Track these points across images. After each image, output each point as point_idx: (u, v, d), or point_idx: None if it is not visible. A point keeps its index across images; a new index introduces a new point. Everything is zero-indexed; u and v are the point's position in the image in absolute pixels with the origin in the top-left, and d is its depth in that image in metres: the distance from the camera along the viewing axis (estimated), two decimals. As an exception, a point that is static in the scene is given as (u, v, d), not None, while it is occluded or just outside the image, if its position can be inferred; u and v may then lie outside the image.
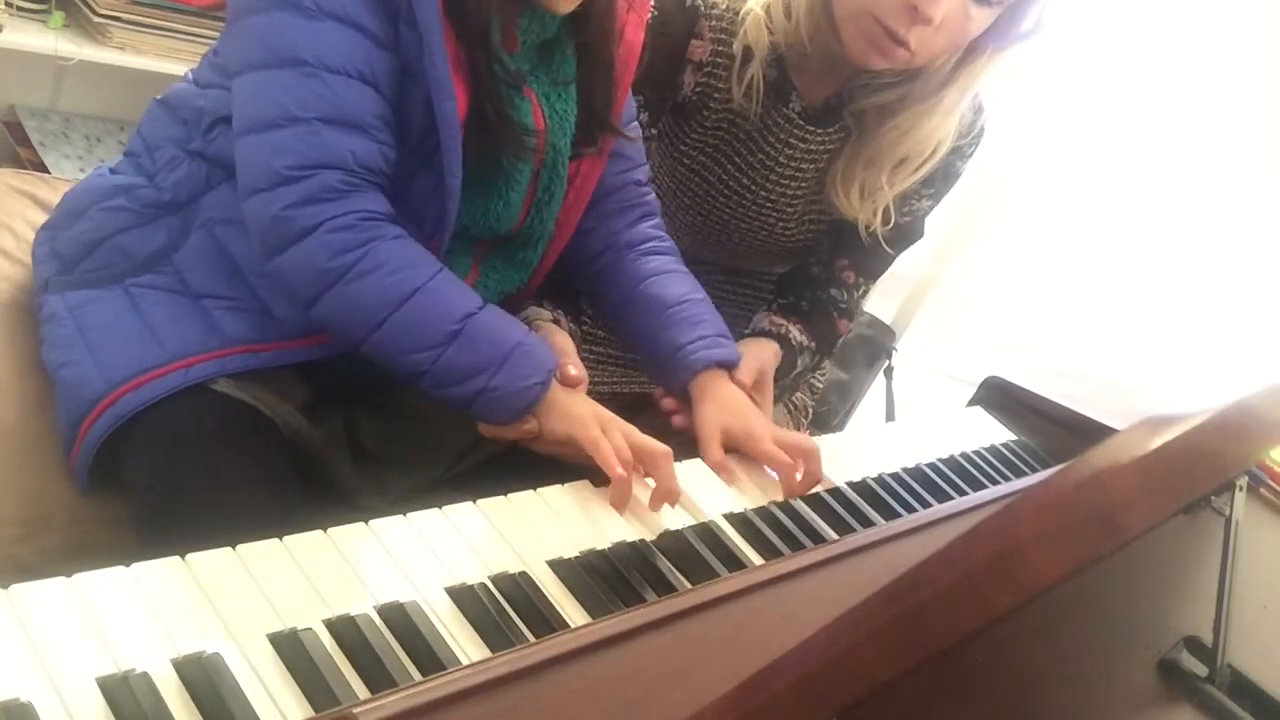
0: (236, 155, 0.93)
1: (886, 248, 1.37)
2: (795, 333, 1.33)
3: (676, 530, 0.91)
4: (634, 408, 1.43)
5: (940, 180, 1.36)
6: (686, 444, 1.05)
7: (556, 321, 1.16)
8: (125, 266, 1.01)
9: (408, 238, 0.94)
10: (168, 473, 0.91)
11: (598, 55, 1.07)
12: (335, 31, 0.90)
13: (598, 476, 0.93)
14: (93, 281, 1.01)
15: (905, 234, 1.40)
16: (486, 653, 0.71)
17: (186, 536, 0.71)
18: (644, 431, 0.96)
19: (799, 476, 1.03)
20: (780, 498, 1.02)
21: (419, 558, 0.77)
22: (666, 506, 0.94)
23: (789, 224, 1.38)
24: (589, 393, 1.01)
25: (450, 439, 1.13)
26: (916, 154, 1.26)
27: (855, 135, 1.29)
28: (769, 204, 1.36)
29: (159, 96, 1.10)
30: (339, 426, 1.08)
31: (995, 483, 1.22)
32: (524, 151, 1.02)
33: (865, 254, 1.38)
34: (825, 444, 1.10)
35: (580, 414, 0.95)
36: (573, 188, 1.12)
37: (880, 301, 1.96)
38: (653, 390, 1.45)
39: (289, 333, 0.98)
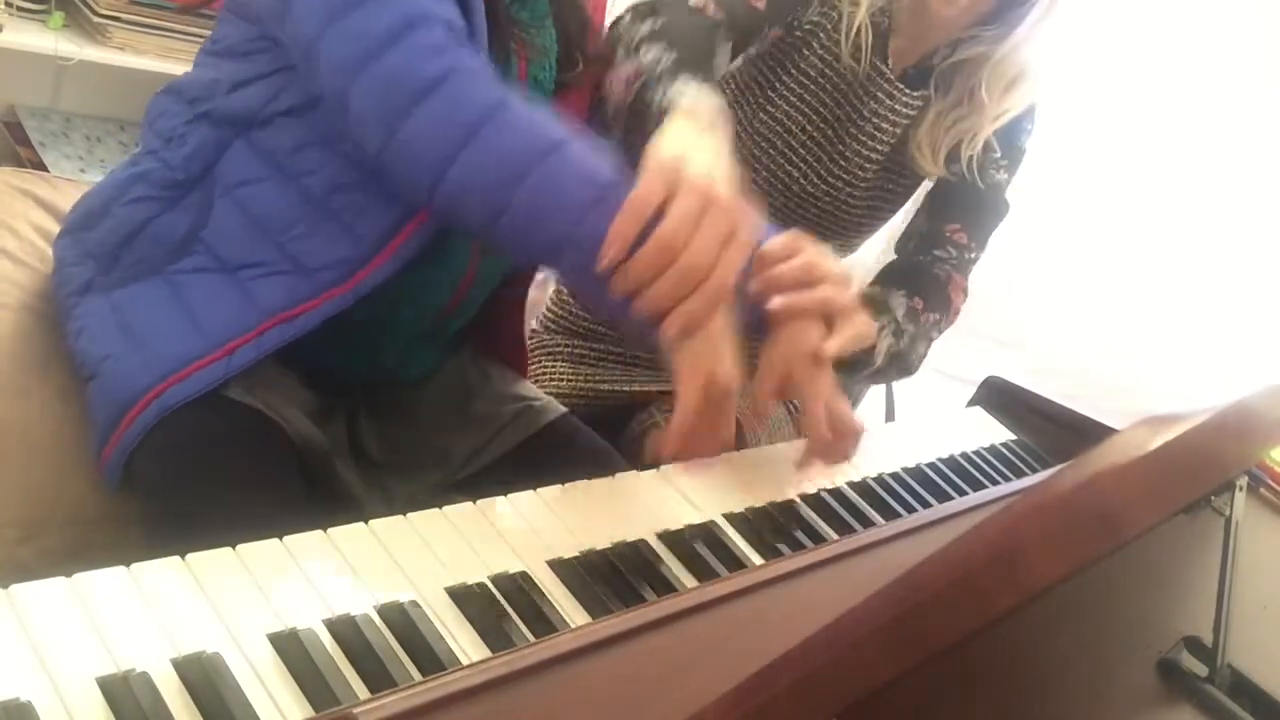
0: (321, 55, 0.87)
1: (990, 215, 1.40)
2: (895, 300, 1.30)
3: (676, 530, 0.91)
4: (636, 407, 1.43)
5: (1010, 154, 1.40)
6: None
7: None
8: (162, 254, 1.01)
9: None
10: (176, 477, 0.91)
11: None
12: None
13: (600, 476, 0.93)
14: (135, 275, 1.01)
15: (992, 210, 1.41)
16: (486, 653, 0.71)
17: (194, 540, 0.71)
18: (663, 418, 0.95)
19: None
20: (780, 498, 1.02)
21: (419, 558, 0.77)
22: (667, 505, 0.93)
23: (855, 191, 1.41)
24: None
25: (454, 445, 1.13)
26: (996, 84, 1.32)
27: (939, 97, 1.35)
28: (842, 163, 1.39)
29: (160, 90, 1.09)
30: (342, 432, 1.08)
31: (995, 483, 1.22)
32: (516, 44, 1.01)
33: (976, 212, 1.39)
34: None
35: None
36: None
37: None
38: (655, 388, 1.45)
39: (323, 284, 0.96)
